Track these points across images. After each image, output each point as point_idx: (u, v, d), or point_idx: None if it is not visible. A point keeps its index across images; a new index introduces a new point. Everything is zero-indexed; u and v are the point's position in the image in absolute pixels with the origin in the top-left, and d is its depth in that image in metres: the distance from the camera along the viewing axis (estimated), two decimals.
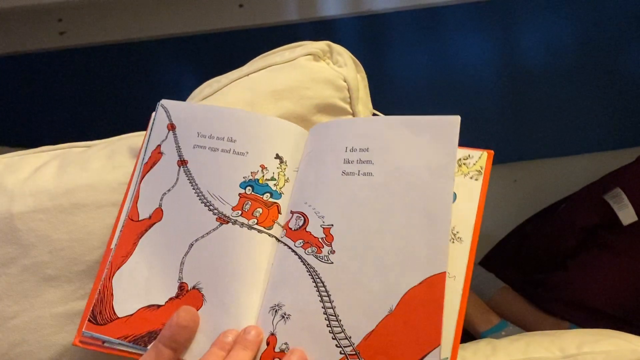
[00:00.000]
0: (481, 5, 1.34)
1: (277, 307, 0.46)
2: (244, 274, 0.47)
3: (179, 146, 0.52)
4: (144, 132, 0.58)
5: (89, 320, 0.48)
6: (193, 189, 0.50)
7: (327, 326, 0.44)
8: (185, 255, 0.48)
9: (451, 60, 1.42)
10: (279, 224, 0.49)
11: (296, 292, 0.46)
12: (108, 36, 1.23)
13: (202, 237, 0.49)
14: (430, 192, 0.45)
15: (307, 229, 0.48)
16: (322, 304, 0.45)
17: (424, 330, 0.42)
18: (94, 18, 1.22)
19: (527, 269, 1.16)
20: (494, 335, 1.01)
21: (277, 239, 0.49)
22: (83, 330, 0.48)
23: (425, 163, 0.46)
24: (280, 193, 0.50)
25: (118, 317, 0.47)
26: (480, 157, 0.50)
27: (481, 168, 0.49)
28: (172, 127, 0.53)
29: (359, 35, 1.40)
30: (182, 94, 0.62)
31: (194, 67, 1.44)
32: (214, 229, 0.49)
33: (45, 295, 0.51)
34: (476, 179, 0.49)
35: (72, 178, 0.53)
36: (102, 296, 0.48)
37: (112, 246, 0.50)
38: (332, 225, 0.47)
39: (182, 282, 0.48)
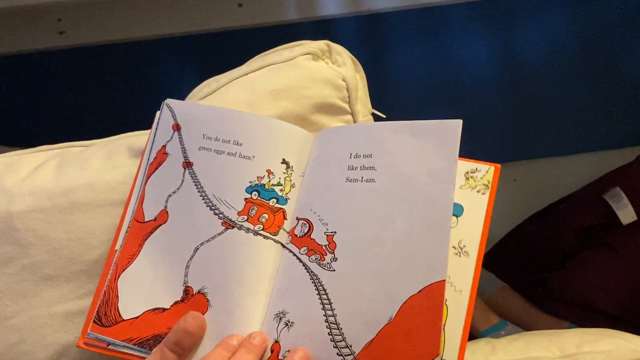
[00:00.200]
0: (481, 5, 1.34)
1: (281, 314, 0.46)
2: (250, 280, 0.47)
3: (184, 147, 0.51)
4: (142, 132, 0.58)
5: (94, 322, 0.47)
6: (198, 191, 0.50)
7: (329, 334, 0.44)
8: (191, 259, 0.48)
9: (451, 60, 1.42)
10: (284, 230, 0.49)
11: (299, 299, 0.46)
12: (108, 36, 1.23)
13: (208, 241, 0.48)
14: (430, 198, 0.45)
15: (312, 236, 0.47)
16: (323, 312, 0.45)
17: (424, 340, 0.42)
18: (94, 18, 1.22)
19: (527, 268, 1.16)
20: (493, 335, 1.01)
21: (282, 245, 0.48)
22: (88, 331, 0.47)
23: (426, 168, 0.46)
24: (286, 199, 0.50)
25: (123, 320, 0.47)
26: (487, 171, 0.49)
27: (488, 182, 0.49)
28: (177, 127, 0.52)
29: (358, 35, 1.40)
30: (181, 94, 0.62)
31: (193, 67, 1.44)
32: (219, 234, 0.48)
33: (44, 295, 0.51)
34: (483, 193, 0.49)
35: (70, 178, 0.53)
36: (108, 297, 0.48)
37: (117, 247, 0.50)
38: (335, 232, 0.47)
39: (188, 286, 0.48)
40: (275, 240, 0.48)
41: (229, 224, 0.48)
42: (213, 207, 0.49)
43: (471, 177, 0.49)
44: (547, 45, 1.40)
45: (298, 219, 0.49)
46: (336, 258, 0.46)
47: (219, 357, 0.43)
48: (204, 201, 0.49)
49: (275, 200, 0.49)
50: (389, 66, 1.42)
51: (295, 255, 0.47)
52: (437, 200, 0.44)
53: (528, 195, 1.29)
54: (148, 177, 0.51)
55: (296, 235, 0.48)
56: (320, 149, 0.51)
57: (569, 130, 1.43)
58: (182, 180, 0.50)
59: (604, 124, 1.42)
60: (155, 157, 0.52)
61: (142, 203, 0.51)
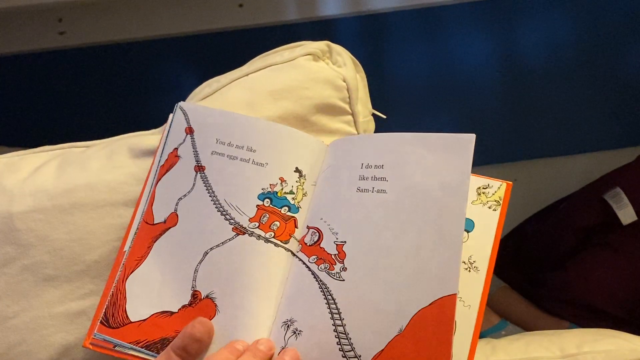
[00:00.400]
0: (481, 5, 1.34)
1: (289, 322, 0.46)
2: (259, 287, 0.47)
3: (196, 151, 0.51)
4: (143, 132, 0.58)
5: (102, 323, 0.47)
6: (210, 196, 0.50)
7: (337, 344, 0.44)
8: (200, 263, 0.48)
9: (451, 60, 1.42)
10: (295, 239, 0.49)
11: (308, 308, 0.46)
12: (108, 36, 1.23)
13: (218, 246, 0.48)
14: (443, 211, 0.45)
15: (321, 245, 0.47)
16: (332, 321, 0.45)
17: (434, 353, 0.42)
18: (94, 18, 1.22)
19: (527, 268, 1.16)
20: (493, 335, 1.01)
21: (292, 253, 0.48)
22: (95, 332, 0.47)
23: (438, 181, 0.45)
24: (298, 207, 0.50)
25: (131, 322, 0.47)
26: (499, 188, 0.49)
27: (500, 198, 0.49)
28: (190, 130, 0.52)
29: (359, 35, 1.40)
30: (182, 94, 0.62)
31: (193, 67, 1.44)
32: (229, 239, 0.48)
33: (45, 295, 0.51)
34: (494, 210, 0.49)
35: (71, 178, 0.53)
36: (115, 299, 0.48)
37: (126, 248, 0.50)
38: (345, 242, 0.47)
39: (196, 291, 0.48)
40: (285, 249, 0.48)
41: (240, 230, 0.48)
42: (224, 212, 0.49)
43: (483, 192, 0.49)
44: (547, 45, 1.40)
45: (309, 227, 0.49)
46: (345, 268, 0.46)
47: (224, 358, 0.43)
48: (215, 206, 0.49)
49: (287, 208, 0.49)
50: (389, 66, 1.42)
51: (304, 263, 0.47)
52: (449, 214, 0.44)
53: (528, 195, 1.29)
54: (159, 179, 0.51)
55: (306, 244, 0.48)
56: (332, 159, 0.51)
57: (569, 130, 1.43)
58: (194, 184, 0.50)
59: (604, 124, 1.42)
60: (167, 160, 0.52)
61: (152, 205, 0.50)
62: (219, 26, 1.20)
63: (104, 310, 0.48)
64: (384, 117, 0.61)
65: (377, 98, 0.63)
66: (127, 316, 0.47)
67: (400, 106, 1.37)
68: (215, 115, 0.52)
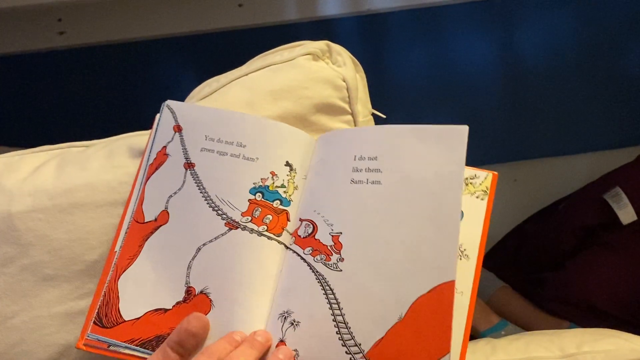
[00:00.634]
0: (481, 4, 1.34)
1: (286, 314, 0.46)
2: (254, 280, 0.47)
3: (185, 148, 0.51)
4: (143, 132, 0.58)
5: (95, 323, 0.47)
6: (200, 192, 0.50)
7: (337, 333, 0.44)
8: (193, 259, 0.48)
9: (451, 59, 1.42)
10: (287, 232, 0.49)
11: (305, 299, 0.46)
12: (108, 36, 1.23)
13: (210, 241, 0.48)
14: (438, 201, 0.45)
15: (316, 237, 0.48)
16: (331, 311, 0.45)
17: (434, 338, 0.43)
18: (94, 18, 1.22)
19: (527, 268, 1.16)
20: (493, 335, 1.01)
21: (286, 246, 0.49)
22: (88, 332, 0.47)
23: (433, 172, 0.46)
24: (290, 200, 0.50)
25: (124, 321, 0.47)
26: (486, 178, 0.51)
27: (487, 188, 0.50)
28: (178, 128, 0.52)
29: (359, 35, 1.40)
30: (181, 94, 0.62)
31: (193, 67, 1.44)
32: (222, 234, 0.48)
33: (44, 295, 0.51)
34: (482, 199, 0.50)
35: (71, 178, 0.53)
36: (108, 298, 0.48)
37: (117, 248, 0.50)
38: (341, 233, 0.47)
39: (190, 287, 0.48)
40: (278, 241, 0.48)
41: (232, 225, 0.48)
42: (216, 208, 0.49)
43: (470, 183, 0.51)
44: (547, 45, 1.40)
45: (301, 220, 0.49)
46: (343, 258, 0.46)
47: (221, 349, 0.43)
48: (206, 202, 0.49)
49: (279, 202, 0.49)
50: (389, 66, 1.42)
51: (299, 255, 0.48)
52: (445, 204, 0.45)
53: (528, 195, 1.29)
54: (148, 178, 0.51)
55: (300, 236, 0.49)
56: (323, 152, 0.52)
57: (569, 130, 1.43)
58: (184, 181, 0.50)
59: (604, 123, 1.43)
60: (156, 158, 0.52)
61: (142, 204, 0.51)
62: (219, 26, 1.20)
63: (96, 310, 0.48)
64: (384, 116, 0.61)
65: (377, 98, 0.63)
66: (120, 315, 0.47)
67: (399, 106, 1.37)
68: (204, 113, 0.52)
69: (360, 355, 0.43)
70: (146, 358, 0.46)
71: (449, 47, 1.42)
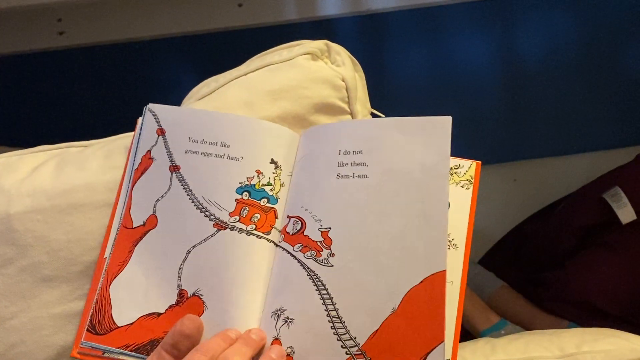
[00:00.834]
0: (481, 4, 1.34)
1: (279, 312, 0.46)
2: (245, 280, 0.47)
3: (169, 151, 0.51)
4: None
5: (88, 330, 0.48)
6: (187, 195, 0.50)
7: (332, 328, 0.45)
8: (183, 262, 0.48)
9: (451, 59, 1.42)
10: (276, 229, 0.49)
11: (297, 296, 0.46)
12: (107, 36, 1.23)
13: (200, 243, 0.48)
14: (425, 192, 0.46)
15: (305, 233, 0.48)
16: (324, 306, 0.45)
17: (428, 327, 0.43)
18: (94, 18, 1.22)
19: (527, 267, 1.16)
20: (493, 334, 1.01)
21: (275, 243, 0.49)
22: (82, 340, 0.47)
23: (418, 163, 0.47)
24: (277, 198, 0.50)
25: (118, 327, 0.47)
26: (470, 167, 0.51)
27: (471, 177, 0.51)
28: (161, 131, 0.52)
29: (358, 35, 1.40)
30: (181, 94, 0.62)
31: (193, 67, 1.44)
32: (211, 235, 0.48)
33: (43, 296, 0.51)
34: (467, 188, 0.51)
35: (69, 178, 0.53)
36: (100, 305, 0.48)
37: (107, 255, 0.50)
38: (330, 228, 0.47)
39: (182, 289, 0.48)
40: (268, 240, 0.49)
41: (220, 225, 0.48)
42: (203, 210, 0.49)
43: (455, 172, 0.51)
44: (547, 45, 1.40)
45: (289, 217, 0.49)
46: (333, 254, 0.46)
47: (216, 346, 0.43)
48: (193, 204, 0.49)
49: (266, 200, 0.50)
50: (388, 66, 1.42)
51: (289, 252, 0.48)
52: (432, 195, 0.46)
53: (528, 195, 1.29)
54: (134, 183, 0.51)
55: (288, 233, 0.49)
56: (307, 147, 0.52)
57: (569, 130, 1.43)
58: (170, 185, 0.50)
59: (603, 123, 1.42)
60: (141, 163, 0.52)
61: (129, 209, 0.50)
62: (219, 26, 1.20)
63: (89, 318, 0.48)
64: (383, 116, 0.61)
65: (376, 97, 0.63)
66: (113, 321, 0.47)
67: (399, 106, 1.37)
68: (186, 115, 0.52)
69: (356, 348, 0.44)
70: None
71: (449, 47, 1.42)
